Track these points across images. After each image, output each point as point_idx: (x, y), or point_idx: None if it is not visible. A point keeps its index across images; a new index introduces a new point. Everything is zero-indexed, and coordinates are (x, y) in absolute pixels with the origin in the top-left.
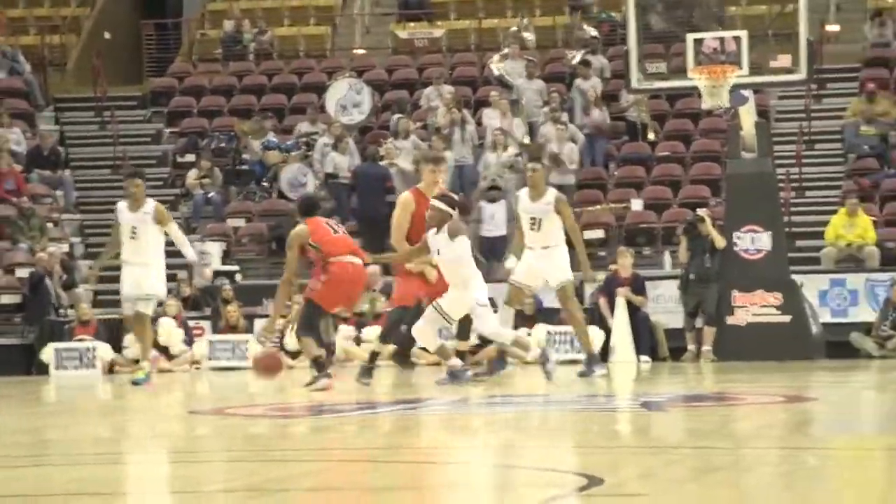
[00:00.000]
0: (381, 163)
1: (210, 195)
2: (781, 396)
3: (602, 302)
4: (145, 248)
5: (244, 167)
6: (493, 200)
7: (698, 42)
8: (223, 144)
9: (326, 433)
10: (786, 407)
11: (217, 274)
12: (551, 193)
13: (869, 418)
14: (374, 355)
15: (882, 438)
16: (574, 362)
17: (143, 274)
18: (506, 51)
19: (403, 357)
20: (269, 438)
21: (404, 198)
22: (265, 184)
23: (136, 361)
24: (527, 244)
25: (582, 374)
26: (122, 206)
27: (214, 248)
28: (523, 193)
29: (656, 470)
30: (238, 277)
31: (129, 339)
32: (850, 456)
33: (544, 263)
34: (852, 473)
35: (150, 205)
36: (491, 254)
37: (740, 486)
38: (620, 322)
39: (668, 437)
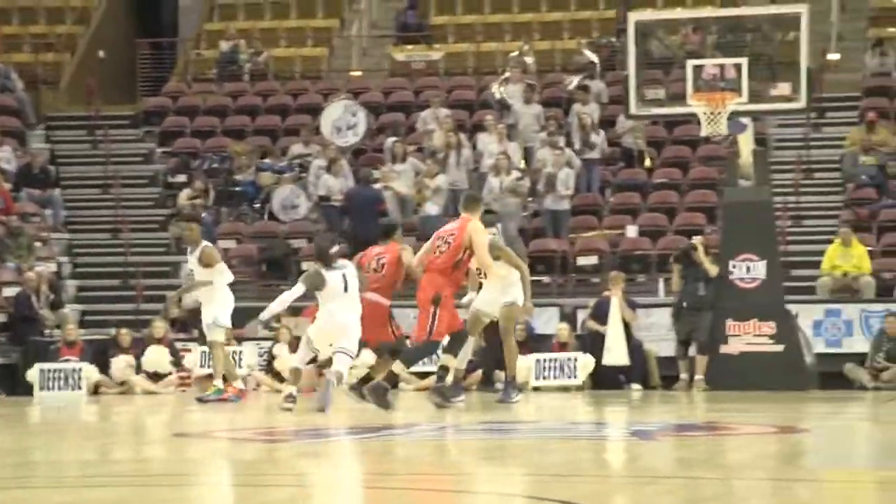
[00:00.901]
0: (375, 185)
1: (202, 216)
2: (773, 427)
3: (591, 322)
4: (206, 288)
5: (236, 188)
6: (488, 225)
7: (698, 69)
8: (215, 165)
9: (310, 458)
10: (778, 437)
11: None
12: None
13: (861, 451)
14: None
15: (874, 472)
16: (566, 389)
17: (204, 310)
18: (507, 74)
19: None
20: (254, 462)
21: (480, 225)
22: (257, 205)
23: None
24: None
25: (500, 401)
26: (189, 249)
27: None
28: None
29: (647, 499)
30: None
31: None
32: (842, 489)
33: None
34: None
35: (199, 248)
36: None
37: None
38: (614, 324)
39: (659, 467)
